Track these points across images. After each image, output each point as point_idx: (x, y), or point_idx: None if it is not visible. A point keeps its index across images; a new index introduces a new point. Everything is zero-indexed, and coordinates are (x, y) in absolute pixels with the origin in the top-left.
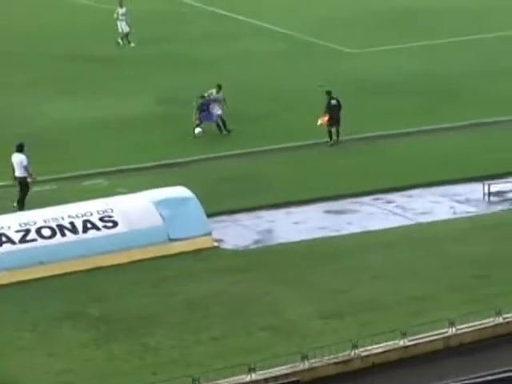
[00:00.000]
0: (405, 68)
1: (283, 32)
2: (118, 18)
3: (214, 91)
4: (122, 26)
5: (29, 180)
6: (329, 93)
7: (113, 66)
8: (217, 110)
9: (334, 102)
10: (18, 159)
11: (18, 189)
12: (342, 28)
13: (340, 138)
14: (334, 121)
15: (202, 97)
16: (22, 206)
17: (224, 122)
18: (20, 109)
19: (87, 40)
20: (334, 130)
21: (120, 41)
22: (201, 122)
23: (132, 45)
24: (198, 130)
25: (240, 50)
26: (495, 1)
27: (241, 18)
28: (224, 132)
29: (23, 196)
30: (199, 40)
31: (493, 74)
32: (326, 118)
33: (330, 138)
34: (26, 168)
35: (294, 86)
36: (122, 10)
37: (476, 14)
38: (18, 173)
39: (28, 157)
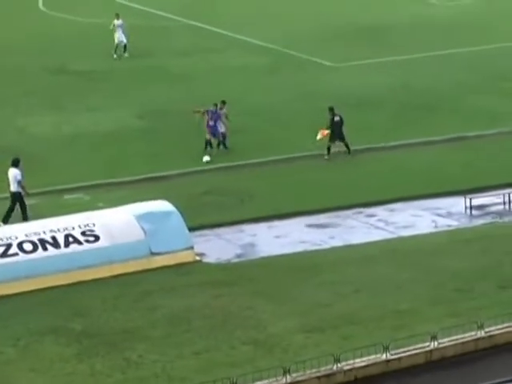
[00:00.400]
0: (384, 82)
1: (264, 45)
2: (114, 30)
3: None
4: (119, 37)
5: (23, 194)
6: (331, 109)
7: (93, 79)
8: (220, 128)
9: (336, 118)
10: (12, 174)
11: (10, 202)
12: (322, 42)
13: (351, 148)
14: (336, 137)
15: (215, 105)
16: (7, 218)
17: (225, 139)
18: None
19: (68, 54)
20: (340, 144)
21: (114, 54)
22: (210, 144)
23: (126, 55)
24: (206, 158)
25: (221, 64)
26: (467, 17)
27: (221, 31)
28: (222, 148)
29: (11, 209)
30: (180, 54)
31: (471, 88)
32: (326, 133)
33: (328, 153)
34: (19, 183)
35: (276, 99)
36: (118, 22)
37: (450, 28)
38: (12, 187)
39: (22, 171)
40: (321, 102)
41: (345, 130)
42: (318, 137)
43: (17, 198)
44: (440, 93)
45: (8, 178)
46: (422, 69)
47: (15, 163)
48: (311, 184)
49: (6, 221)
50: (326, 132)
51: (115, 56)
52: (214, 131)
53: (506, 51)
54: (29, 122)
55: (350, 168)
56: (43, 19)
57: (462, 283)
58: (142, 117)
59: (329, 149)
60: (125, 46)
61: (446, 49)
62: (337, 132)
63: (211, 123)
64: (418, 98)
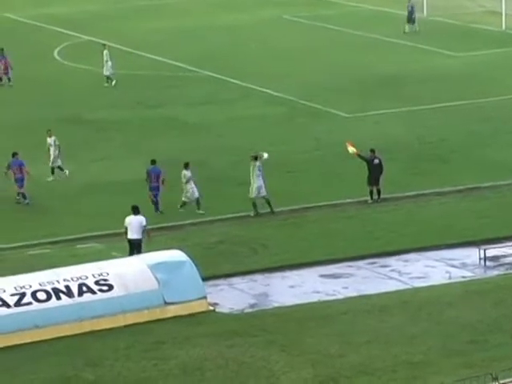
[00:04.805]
0: (398, 132)
1: (280, 96)
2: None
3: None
4: (107, 68)
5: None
6: (372, 151)
7: (107, 129)
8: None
9: (376, 161)
10: (137, 221)
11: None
12: (337, 93)
13: (381, 196)
14: (374, 180)
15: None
16: None
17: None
18: None
19: (85, 103)
20: (374, 189)
21: (106, 83)
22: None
23: (114, 82)
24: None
25: (236, 114)
26: (482, 68)
27: (237, 82)
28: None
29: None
30: (194, 104)
31: (484, 139)
32: (355, 149)
33: (371, 197)
34: (144, 228)
35: (290, 149)
36: (105, 51)
37: (465, 79)
38: (137, 235)
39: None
40: (335, 151)
41: (382, 175)
42: (350, 149)
43: (139, 244)
44: (453, 143)
45: (126, 226)
46: (437, 119)
47: (137, 210)
48: (325, 234)
49: None
50: (354, 149)
51: (114, 82)
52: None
53: None
54: (42, 172)
55: (364, 218)
56: (58, 68)
57: (476, 334)
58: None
59: (371, 193)
60: (108, 77)
61: (461, 99)
62: (374, 175)
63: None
64: (432, 149)
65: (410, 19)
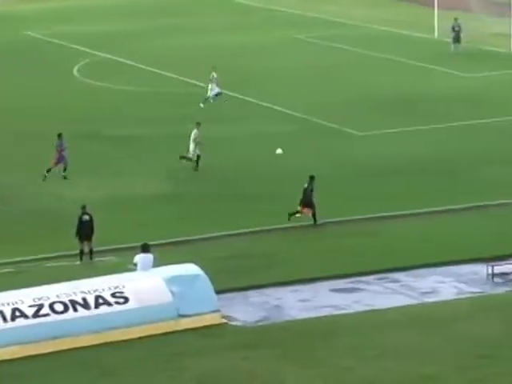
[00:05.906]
0: (409, 151)
1: (293, 114)
2: None
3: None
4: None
5: None
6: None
7: (120, 145)
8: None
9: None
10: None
11: None
12: (349, 111)
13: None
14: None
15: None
16: None
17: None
18: (34, 186)
19: (100, 120)
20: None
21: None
22: None
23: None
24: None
25: (249, 131)
26: (495, 88)
27: (250, 99)
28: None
29: None
30: (211, 120)
31: (494, 158)
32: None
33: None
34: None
35: (302, 166)
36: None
37: (477, 99)
38: None
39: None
40: (346, 170)
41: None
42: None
43: None
44: (463, 163)
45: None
46: (448, 139)
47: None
48: (335, 249)
49: None
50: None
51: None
52: None
53: None
54: (61, 186)
55: (373, 235)
56: (77, 86)
57: (485, 349)
58: (169, 182)
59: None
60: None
61: (472, 119)
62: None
63: None
64: (442, 167)
65: (457, 39)
